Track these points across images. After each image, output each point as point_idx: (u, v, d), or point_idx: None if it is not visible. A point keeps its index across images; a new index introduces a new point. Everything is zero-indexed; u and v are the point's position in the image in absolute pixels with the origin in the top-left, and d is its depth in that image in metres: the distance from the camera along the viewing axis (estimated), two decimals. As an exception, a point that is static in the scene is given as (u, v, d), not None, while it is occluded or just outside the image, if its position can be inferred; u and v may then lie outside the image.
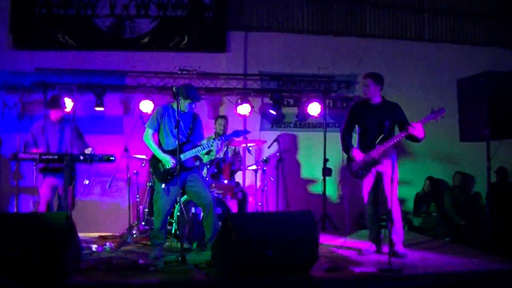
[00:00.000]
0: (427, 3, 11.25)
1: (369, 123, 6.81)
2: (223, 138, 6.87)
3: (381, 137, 6.64)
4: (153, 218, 7.05)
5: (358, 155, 6.76)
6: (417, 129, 6.45)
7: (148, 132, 6.69)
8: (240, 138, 8.25)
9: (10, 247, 4.76)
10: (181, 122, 6.34)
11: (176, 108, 6.29)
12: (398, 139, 6.60)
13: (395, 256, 6.39)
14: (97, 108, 9.42)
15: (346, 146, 6.96)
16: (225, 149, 8.78)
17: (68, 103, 8.78)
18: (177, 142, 6.21)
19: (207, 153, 6.94)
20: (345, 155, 7.10)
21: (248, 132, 7.15)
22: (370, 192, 6.89)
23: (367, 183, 6.86)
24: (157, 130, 6.73)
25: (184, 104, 6.55)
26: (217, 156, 8.17)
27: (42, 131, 7.52)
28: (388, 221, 6.48)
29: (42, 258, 4.86)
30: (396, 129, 6.86)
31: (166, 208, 6.60)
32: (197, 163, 7.35)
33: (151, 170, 6.81)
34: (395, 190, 6.58)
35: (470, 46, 11.19)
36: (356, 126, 7.06)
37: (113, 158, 7.10)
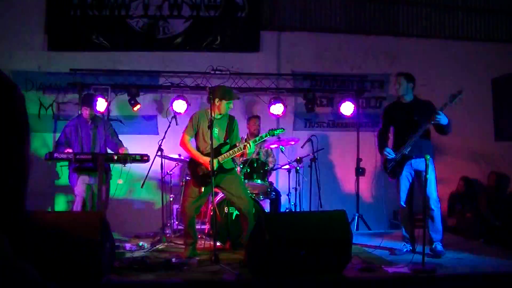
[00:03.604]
0: (461, 1, 11.00)
1: (401, 122, 6.84)
2: (257, 139, 6.81)
3: (412, 134, 6.61)
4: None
5: (389, 153, 6.76)
6: (438, 117, 6.40)
7: (185, 138, 6.71)
8: (276, 138, 8.18)
9: (46, 247, 4.81)
10: (216, 125, 6.41)
11: (211, 112, 6.33)
12: (421, 131, 6.55)
13: (434, 254, 6.46)
14: (132, 108, 9.48)
15: (380, 146, 7.00)
16: (258, 149, 8.78)
17: (102, 103, 8.87)
18: (211, 142, 6.27)
19: (242, 154, 6.87)
20: (379, 155, 7.11)
21: (283, 130, 7.00)
22: (405, 191, 6.87)
23: (403, 182, 6.84)
24: (194, 136, 6.76)
25: (222, 106, 6.55)
26: (251, 156, 8.14)
27: (76, 130, 7.61)
28: (425, 220, 6.46)
29: (77, 258, 4.91)
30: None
31: (192, 208, 6.64)
32: (235, 164, 7.35)
33: (190, 173, 6.84)
34: (435, 188, 6.57)
35: (505, 44, 10.84)
36: (391, 127, 7.05)
37: (147, 157, 7.16)
